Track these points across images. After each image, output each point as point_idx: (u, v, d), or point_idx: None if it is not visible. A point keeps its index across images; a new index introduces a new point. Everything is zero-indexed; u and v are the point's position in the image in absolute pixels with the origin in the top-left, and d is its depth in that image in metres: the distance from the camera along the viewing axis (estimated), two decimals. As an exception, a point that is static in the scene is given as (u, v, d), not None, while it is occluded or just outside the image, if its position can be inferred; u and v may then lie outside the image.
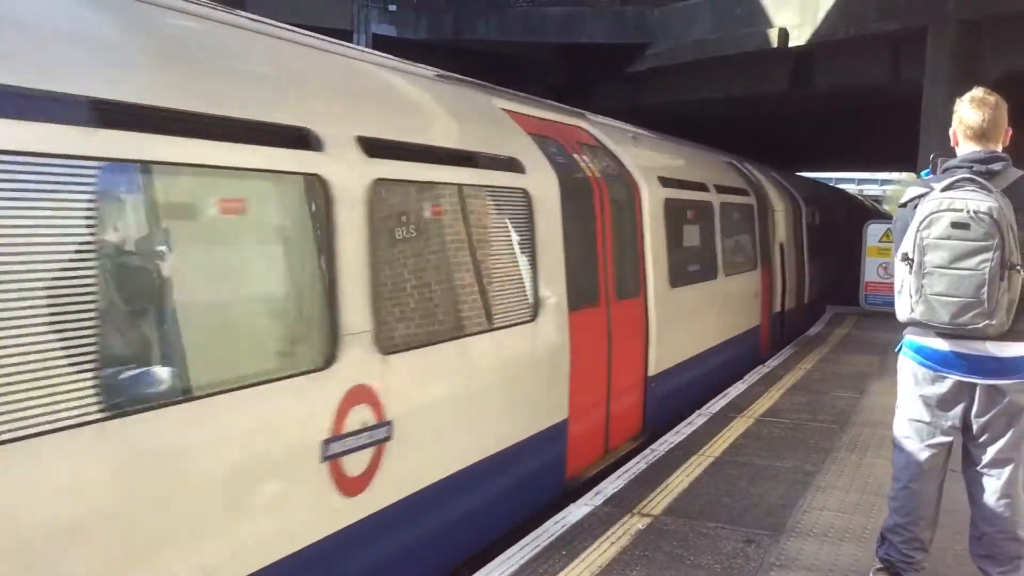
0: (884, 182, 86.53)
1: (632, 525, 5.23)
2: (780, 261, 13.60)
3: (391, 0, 21.17)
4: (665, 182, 8.53)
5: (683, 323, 8.67)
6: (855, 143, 30.17)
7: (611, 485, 5.95)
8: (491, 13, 20.92)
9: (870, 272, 15.83)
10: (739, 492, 5.87)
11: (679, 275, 8.56)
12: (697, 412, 8.10)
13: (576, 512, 5.41)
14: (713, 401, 8.57)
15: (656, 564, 4.69)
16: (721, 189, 10.81)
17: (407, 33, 20.59)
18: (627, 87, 21.46)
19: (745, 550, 4.89)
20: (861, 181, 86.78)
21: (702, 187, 10.07)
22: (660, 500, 5.68)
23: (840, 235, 19.97)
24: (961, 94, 4.04)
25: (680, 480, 6.10)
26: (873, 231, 15.95)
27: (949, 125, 4.05)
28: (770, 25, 17.65)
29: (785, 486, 6.01)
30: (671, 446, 6.93)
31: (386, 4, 21.16)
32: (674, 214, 8.58)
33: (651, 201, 7.95)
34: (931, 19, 15.14)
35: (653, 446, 6.94)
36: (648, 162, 8.77)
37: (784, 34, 17.37)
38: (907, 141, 17.93)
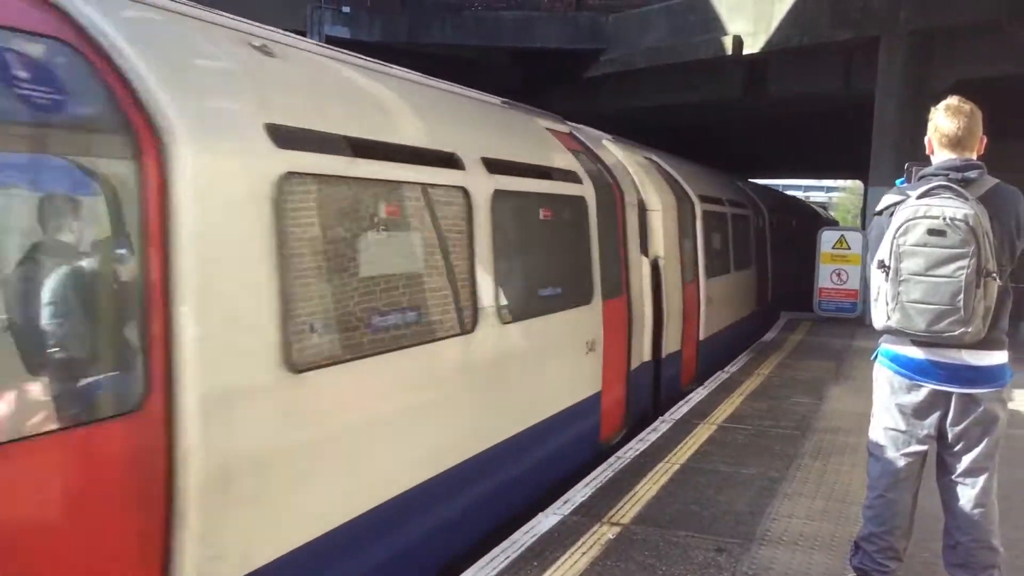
0: (830, 189, 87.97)
1: (603, 535, 5.16)
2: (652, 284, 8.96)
3: (344, 2, 20.97)
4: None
5: None
6: (806, 150, 30.57)
7: (579, 494, 5.89)
8: (446, 16, 20.80)
9: (823, 279, 16.01)
10: (707, 500, 5.85)
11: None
12: (660, 419, 8.07)
13: (546, 522, 5.34)
14: (676, 407, 8.56)
15: (629, 574, 4.63)
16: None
17: (361, 35, 20.37)
18: (583, 92, 21.47)
19: (717, 559, 4.85)
20: (808, 188, 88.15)
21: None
22: (629, 509, 5.63)
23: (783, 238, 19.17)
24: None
25: (648, 488, 6.05)
26: (827, 238, 16.15)
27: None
28: (724, 33, 17.77)
29: (752, 493, 6.00)
30: (637, 453, 6.89)
31: (340, 6, 20.95)
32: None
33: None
34: (883, 29, 15.34)
35: (619, 453, 6.89)
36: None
37: (738, 42, 17.49)
38: (856, 149, 18.22)
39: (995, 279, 3.68)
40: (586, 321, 7.10)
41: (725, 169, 17.31)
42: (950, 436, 3.91)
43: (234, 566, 3.46)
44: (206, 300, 3.31)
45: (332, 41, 19.52)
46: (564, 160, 7.20)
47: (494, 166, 5.73)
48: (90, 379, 3.11)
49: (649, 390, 8.97)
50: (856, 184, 57.33)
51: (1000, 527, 3.98)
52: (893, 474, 4.03)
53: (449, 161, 5.29)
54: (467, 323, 5.25)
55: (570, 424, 6.85)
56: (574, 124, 8.55)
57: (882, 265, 3.82)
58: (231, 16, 4.38)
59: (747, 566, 4.76)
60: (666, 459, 6.75)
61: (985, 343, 3.77)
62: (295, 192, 3.91)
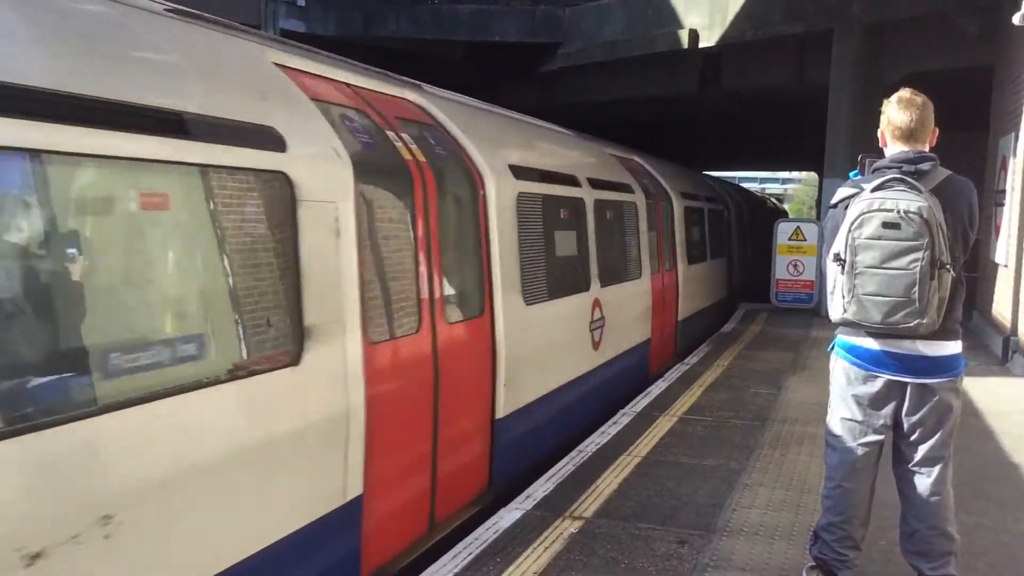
0: (785, 181, 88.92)
1: (565, 529, 5.17)
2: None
3: (299, -5, 20.75)
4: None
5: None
6: (761, 143, 30.86)
7: (541, 488, 5.89)
8: (402, 9, 20.68)
9: (780, 270, 16.18)
10: (668, 492, 5.88)
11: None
12: (622, 412, 8.10)
13: (508, 517, 5.33)
14: (637, 400, 8.60)
15: (592, 568, 4.64)
16: None
17: (316, 29, 20.16)
18: (538, 86, 21.50)
19: (679, 551, 4.88)
20: (764, 180, 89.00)
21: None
22: (591, 502, 5.64)
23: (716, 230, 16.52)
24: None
25: (609, 481, 6.07)
26: (783, 229, 16.31)
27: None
28: (680, 26, 17.88)
29: (713, 485, 6.04)
30: (598, 447, 6.90)
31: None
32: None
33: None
34: (836, 22, 15.55)
35: (580, 447, 6.90)
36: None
37: (694, 35, 17.62)
38: (811, 141, 18.43)
39: (949, 271, 3.72)
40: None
41: (682, 162, 17.42)
42: (906, 426, 3.96)
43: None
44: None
45: (286, 34, 19.33)
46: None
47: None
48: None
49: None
50: (811, 175, 58.02)
51: (956, 514, 4.04)
52: (850, 464, 4.07)
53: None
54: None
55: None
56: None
57: (838, 258, 3.86)
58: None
59: (708, 557, 4.79)
60: (627, 451, 6.78)
61: (939, 334, 3.82)
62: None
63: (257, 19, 19.32)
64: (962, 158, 8.08)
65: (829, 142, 15.46)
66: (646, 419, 7.82)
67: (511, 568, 4.62)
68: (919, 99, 3.97)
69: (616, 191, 9.77)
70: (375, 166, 4.96)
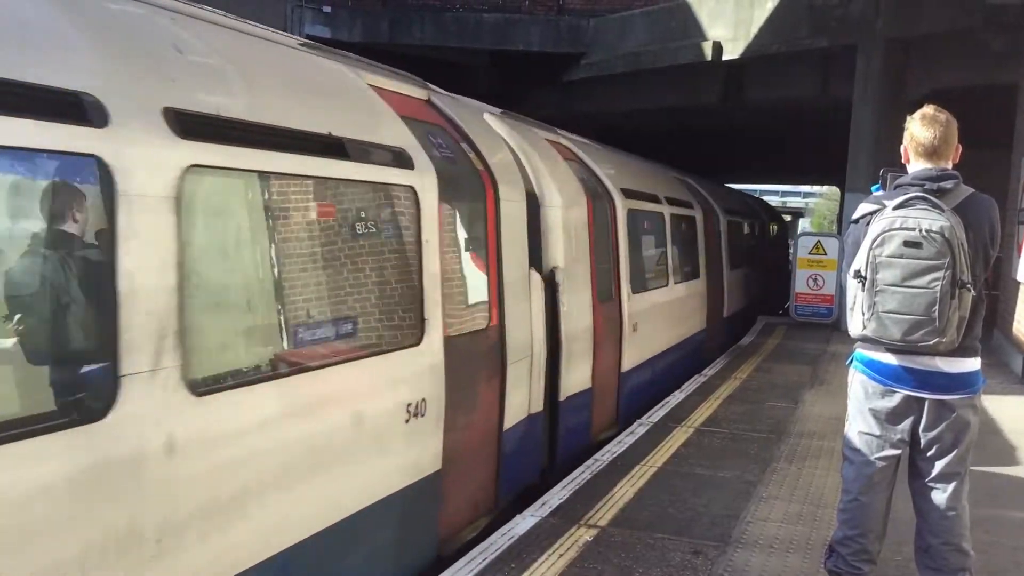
0: (807, 194, 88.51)
1: (580, 537, 5.20)
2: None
3: (325, 1, 20.90)
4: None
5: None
6: (783, 156, 30.76)
7: (556, 496, 5.92)
8: (427, 17, 20.80)
9: (800, 283, 16.16)
10: (684, 503, 5.90)
11: None
12: (638, 422, 8.12)
13: (523, 524, 5.37)
14: (653, 411, 8.62)
15: (606, 577, 4.67)
16: None
17: (342, 36, 20.30)
18: (561, 96, 21.54)
19: (693, 562, 4.90)
20: (784, 193, 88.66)
21: None
22: (606, 511, 5.67)
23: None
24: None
25: (625, 491, 6.09)
26: (804, 243, 16.29)
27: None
28: (704, 38, 17.88)
29: (728, 496, 6.06)
30: (614, 456, 6.93)
31: (320, 5, 20.88)
32: None
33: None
34: (860, 37, 15.50)
35: (596, 455, 6.93)
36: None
37: (718, 47, 17.61)
38: (833, 155, 18.39)
39: (969, 290, 3.73)
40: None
41: (701, 174, 17.42)
42: (923, 441, 3.97)
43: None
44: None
45: (312, 40, 19.45)
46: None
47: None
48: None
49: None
50: (833, 190, 57.71)
51: (972, 531, 4.05)
52: (867, 478, 4.08)
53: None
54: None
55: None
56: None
57: (858, 275, 3.87)
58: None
59: (723, 568, 4.81)
60: (643, 462, 6.80)
61: (959, 351, 3.83)
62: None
63: (283, 24, 19.49)
64: (986, 176, 8.06)
65: (851, 157, 15.41)
66: (662, 430, 7.84)
67: (525, 574, 4.65)
68: (943, 116, 3.99)
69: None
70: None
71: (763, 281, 19.93)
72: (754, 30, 17.06)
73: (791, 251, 16.47)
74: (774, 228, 24.00)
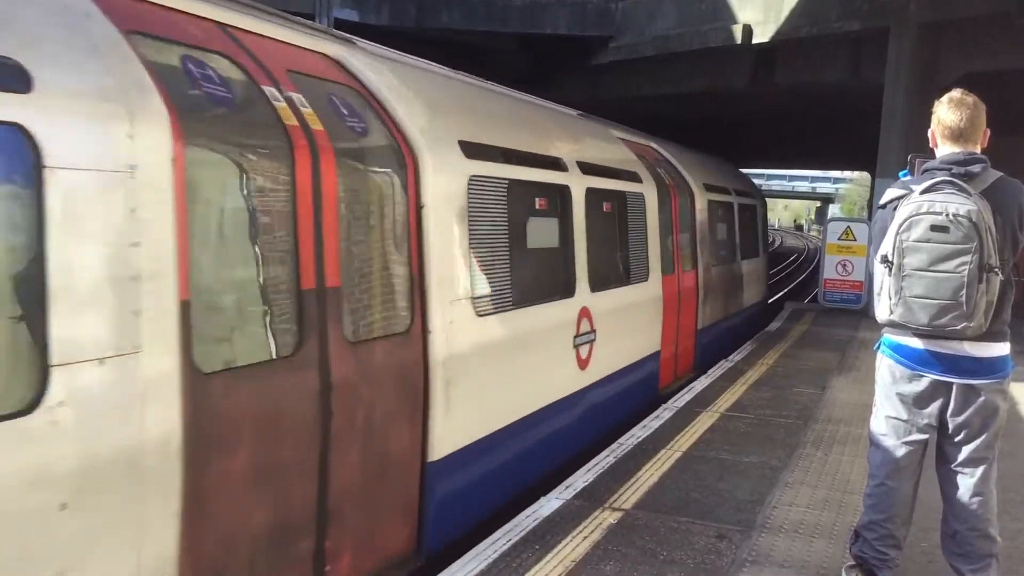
0: (837, 180, 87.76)
1: (604, 519, 5.23)
2: None
3: (353, -15, 20.93)
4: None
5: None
6: (813, 141, 30.50)
7: (581, 479, 5.95)
8: (454, 1, 20.78)
9: (829, 270, 16.04)
10: (708, 487, 5.91)
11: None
12: (663, 406, 8.13)
13: (548, 506, 5.40)
14: (678, 395, 8.62)
15: (630, 559, 4.69)
16: None
17: (369, 19, 20.34)
18: (588, 79, 21.46)
19: (717, 546, 4.91)
20: (815, 179, 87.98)
21: None
22: (631, 494, 5.69)
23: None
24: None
25: (649, 474, 6.11)
26: (833, 228, 16.17)
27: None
28: (734, 21, 17.72)
29: (753, 481, 6.06)
30: (639, 440, 6.94)
31: (348, -11, 20.91)
32: None
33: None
34: (893, 21, 15.31)
35: (621, 439, 6.95)
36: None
37: (748, 31, 17.45)
38: (864, 141, 18.20)
39: (997, 274, 3.71)
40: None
41: (730, 159, 17.34)
42: (951, 426, 3.96)
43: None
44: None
45: (340, 24, 19.53)
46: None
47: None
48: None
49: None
50: (863, 175, 57.20)
51: (1000, 518, 4.04)
52: (894, 462, 4.08)
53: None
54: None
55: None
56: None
57: (885, 260, 3.86)
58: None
59: (747, 552, 4.82)
60: (668, 446, 6.81)
61: (987, 335, 3.81)
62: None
63: (311, 8, 19.53)
64: (1017, 162, 7.97)
65: (882, 142, 15.27)
66: (687, 415, 7.84)
67: (549, 555, 4.69)
68: (970, 99, 3.96)
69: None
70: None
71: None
72: (785, 13, 16.88)
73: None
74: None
